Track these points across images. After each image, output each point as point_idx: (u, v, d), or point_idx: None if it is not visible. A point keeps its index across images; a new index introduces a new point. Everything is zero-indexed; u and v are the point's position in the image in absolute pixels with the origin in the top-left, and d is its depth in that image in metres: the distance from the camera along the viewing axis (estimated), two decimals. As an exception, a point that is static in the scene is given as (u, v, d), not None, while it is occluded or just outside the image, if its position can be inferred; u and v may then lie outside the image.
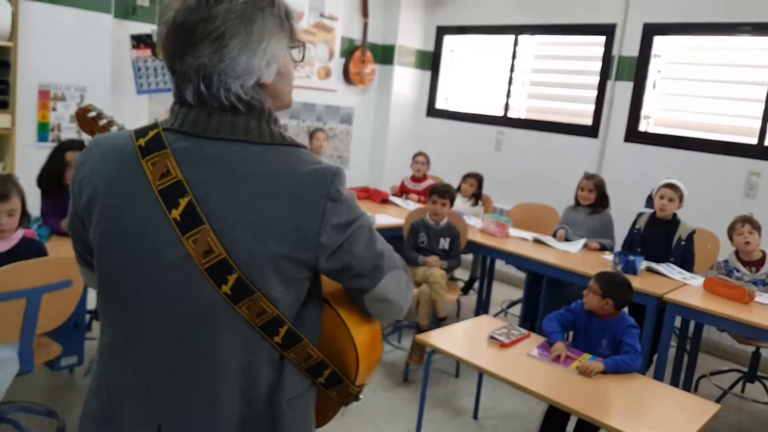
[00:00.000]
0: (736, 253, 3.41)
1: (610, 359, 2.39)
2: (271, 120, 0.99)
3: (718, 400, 3.40)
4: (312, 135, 4.92)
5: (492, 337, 2.60)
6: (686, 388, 3.43)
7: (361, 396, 1.12)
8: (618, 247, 3.78)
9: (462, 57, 6.00)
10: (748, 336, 3.10)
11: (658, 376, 2.94)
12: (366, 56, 5.62)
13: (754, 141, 4.15)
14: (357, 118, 5.85)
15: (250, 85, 0.95)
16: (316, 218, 0.93)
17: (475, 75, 5.93)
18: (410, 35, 5.85)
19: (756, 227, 3.32)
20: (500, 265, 4.56)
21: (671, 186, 3.54)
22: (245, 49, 0.92)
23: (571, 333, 2.73)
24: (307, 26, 5.19)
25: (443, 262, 3.43)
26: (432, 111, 6.09)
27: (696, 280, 3.24)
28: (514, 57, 5.44)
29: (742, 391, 3.61)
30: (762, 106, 4.10)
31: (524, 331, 2.72)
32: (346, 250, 0.96)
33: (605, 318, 2.53)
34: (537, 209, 4.45)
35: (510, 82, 5.48)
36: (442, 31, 5.92)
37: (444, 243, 3.51)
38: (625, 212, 3.93)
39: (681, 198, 3.53)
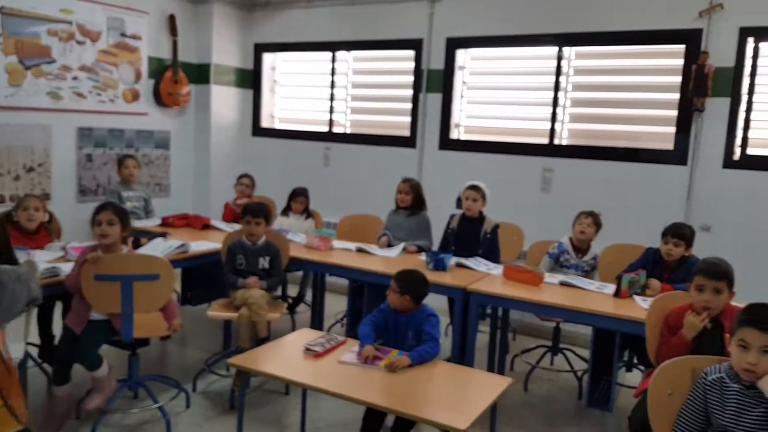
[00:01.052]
0: (571, 239, 3.92)
1: (414, 352, 2.63)
2: None
3: (528, 375, 3.89)
4: (121, 163, 4.78)
5: (307, 349, 2.74)
6: (501, 368, 3.87)
7: None
8: (436, 247, 4.15)
9: (284, 74, 6.21)
10: (545, 314, 3.58)
11: (469, 361, 3.30)
12: (179, 76, 5.58)
13: (546, 141, 4.81)
14: (175, 142, 5.77)
15: None
16: None
17: (298, 92, 6.16)
18: (226, 53, 5.92)
19: (596, 222, 3.83)
20: (336, 277, 4.76)
21: (474, 187, 3.99)
22: None
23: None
24: (106, 47, 5.05)
25: (262, 282, 3.53)
26: (257, 130, 6.20)
27: (499, 270, 3.67)
28: (333, 73, 5.75)
29: (551, 363, 4.14)
30: (549, 108, 4.78)
31: (341, 338, 2.90)
32: None
33: (408, 313, 2.80)
34: (364, 219, 4.73)
35: (332, 98, 5.78)
36: (260, 49, 6.08)
37: (264, 262, 3.61)
38: (444, 215, 4.33)
39: (484, 197, 3.99)
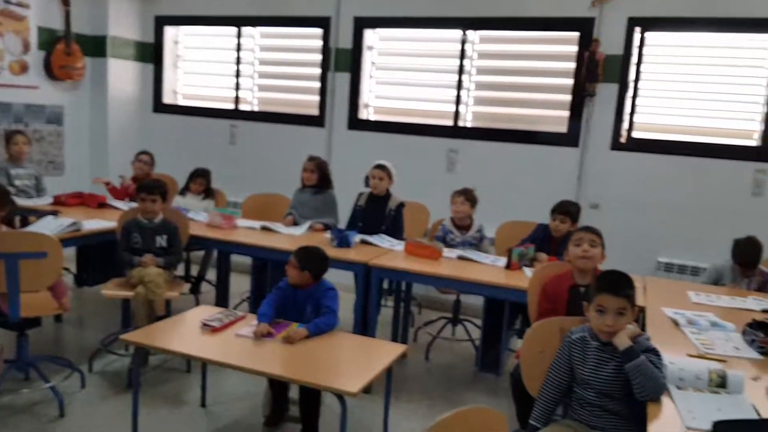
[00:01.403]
0: (452, 218, 4.12)
1: (311, 323, 2.75)
2: None
3: (429, 345, 4.12)
4: (8, 139, 4.57)
5: (204, 324, 2.79)
6: (404, 340, 4.08)
7: None
8: (343, 225, 4.27)
9: (187, 49, 6.08)
10: (443, 286, 3.79)
11: (371, 333, 3.47)
12: (72, 48, 5.36)
13: (450, 123, 5.03)
14: (69, 118, 5.55)
15: None
16: None
17: (203, 68, 6.06)
18: (124, 26, 5.74)
19: (469, 199, 4.05)
20: (242, 256, 4.77)
21: (380, 166, 4.14)
22: None
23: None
24: (-12, 12, 4.79)
25: (159, 260, 3.52)
26: (159, 106, 6.06)
27: (401, 246, 3.84)
28: (239, 49, 5.71)
29: (453, 334, 4.40)
30: (454, 91, 4.99)
31: (240, 313, 2.97)
32: None
33: (307, 288, 2.90)
34: (270, 198, 4.77)
35: (238, 75, 5.74)
36: (161, 22, 5.93)
37: (161, 240, 3.60)
38: (353, 193, 4.43)
39: (390, 176, 4.14)
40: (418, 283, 3.99)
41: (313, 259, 2.90)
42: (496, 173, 4.83)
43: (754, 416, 1.84)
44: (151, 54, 5.99)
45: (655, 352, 2.09)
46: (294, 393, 2.99)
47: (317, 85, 5.42)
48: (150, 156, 4.85)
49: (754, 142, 4.33)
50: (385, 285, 4.49)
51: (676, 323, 2.73)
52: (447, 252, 3.73)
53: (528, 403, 2.36)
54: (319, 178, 4.32)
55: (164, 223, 3.64)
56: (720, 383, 2.03)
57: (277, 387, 2.94)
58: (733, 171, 4.31)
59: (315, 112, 5.44)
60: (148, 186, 3.60)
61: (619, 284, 2.14)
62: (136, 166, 4.77)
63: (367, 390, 3.39)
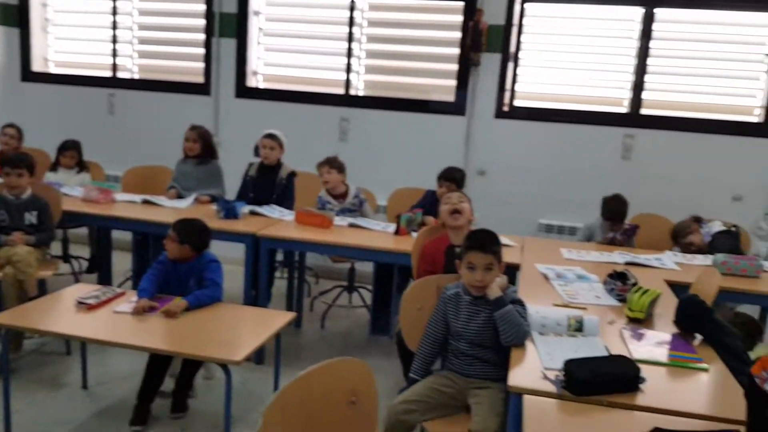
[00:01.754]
0: (327, 190, 4.17)
1: (191, 295, 2.75)
2: None
3: (325, 313, 4.23)
4: None
5: (79, 302, 2.72)
6: (299, 309, 4.16)
7: None
8: (232, 196, 4.23)
9: (58, 12, 5.70)
10: (334, 254, 3.89)
11: (262, 304, 3.51)
12: None
13: (342, 91, 5.08)
14: None
15: None
16: None
17: (76, 33, 5.71)
18: (-19, -16, 5.29)
19: (335, 167, 4.11)
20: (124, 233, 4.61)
21: (271, 136, 4.13)
22: None
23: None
24: None
25: (29, 238, 3.36)
26: (28, 75, 5.66)
27: (292, 216, 3.88)
28: (114, 12, 5.43)
29: (349, 302, 4.53)
30: (345, 59, 5.03)
31: (118, 290, 2.91)
32: None
33: (189, 261, 2.89)
34: (152, 171, 4.63)
35: (115, 40, 5.47)
36: (25, -19, 5.51)
37: (30, 217, 3.43)
38: (242, 164, 4.38)
39: (281, 145, 4.15)
40: (311, 252, 4.06)
41: (192, 232, 2.87)
42: (387, 142, 4.96)
43: (605, 354, 2.08)
44: (16, 17, 5.56)
45: (520, 303, 2.29)
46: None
47: (201, 51, 5.27)
48: (16, 129, 4.55)
49: (624, 109, 4.71)
50: (280, 257, 4.54)
51: (546, 277, 2.99)
52: (338, 220, 3.82)
53: (412, 360, 2.51)
54: (202, 148, 4.24)
55: (33, 199, 3.46)
56: (578, 327, 2.26)
57: (156, 363, 2.90)
58: (604, 136, 4.68)
59: (200, 79, 5.30)
60: (12, 160, 3.41)
61: (485, 242, 2.32)
62: (1, 140, 4.46)
63: (259, 361, 3.46)
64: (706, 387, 2.00)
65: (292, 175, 4.20)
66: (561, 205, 4.74)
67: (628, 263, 3.35)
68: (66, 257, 4.57)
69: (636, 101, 4.65)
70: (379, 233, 3.69)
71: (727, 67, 4.53)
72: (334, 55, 5.10)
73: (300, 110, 5.10)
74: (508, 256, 3.34)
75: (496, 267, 2.31)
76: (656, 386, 1.88)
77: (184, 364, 2.94)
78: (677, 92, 4.63)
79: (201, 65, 5.29)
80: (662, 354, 2.14)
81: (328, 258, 4.63)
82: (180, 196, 4.15)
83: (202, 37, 5.25)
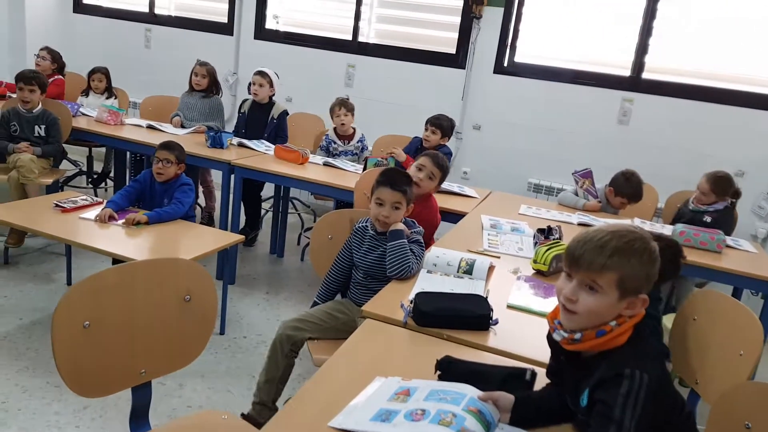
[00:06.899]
0: (335, 129, 4.24)
1: (153, 211, 2.91)
2: None
3: (305, 247, 4.33)
4: None
5: (56, 205, 2.94)
6: (282, 243, 4.29)
7: None
8: (230, 129, 4.37)
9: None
10: (305, 189, 3.97)
11: (234, 229, 3.66)
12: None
13: (349, 37, 5.04)
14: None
15: None
16: None
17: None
18: None
19: (349, 109, 4.15)
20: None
21: (260, 73, 4.19)
22: None
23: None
24: None
25: (36, 149, 3.61)
26: (79, 7, 5.93)
27: (272, 150, 3.96)
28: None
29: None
30: (354, 6, 4.97)
31: (97, 199, 3.11)
32: None
33: (167, 182, 3.06)
34: (165, 100, 4.80)
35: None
36: None
37: (39, 130, 3.68)
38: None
39: (271, 83, 4.21)
40: (280, 184, 4.11)
41: (183, 151, 3.09)
42: (389, 89, 4.92)
43: (482, 296, 2.06)
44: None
45: (418, 243, 2.31)
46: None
47: (228, -8, 5.35)
48: (49, 52, 4.78)
49: (626, 71, 4.45)
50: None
51: (482, 226, 2.96)
52: (314, 158, 3.88)
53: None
54: (208, 83, 4.37)
55: (43, 114, 3.71)
56: (467, 270, 2.26)
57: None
58: (603, 99, 4.46)
59: (224, 19, 5.39)
60: (26, 76, 3.63)
61: (396, 180, 2.33)
62: (36, 61, 4.74)
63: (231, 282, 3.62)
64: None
65: (285, 113, 4.27)
66: (552, 166, 4.60)
67: (580, 223, 3.26)
68: (89, 172, 4.87)
69: (638, 65, 4.38)
70: (351, 174, 3.73)
71: (738, 31, 4.13)
72: (346, 2, 5.04)
73: (312, 54, 5.12)
74: (461, 206, 3.35)
75: (404, 207, 2.33)
76: (511, 330, 1.84)
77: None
78: (682, 58, 4.32)
79: (225, 6, 5.37)
80: (537, 303, 2.12)
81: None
82: (183, 126, 4.32)
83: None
